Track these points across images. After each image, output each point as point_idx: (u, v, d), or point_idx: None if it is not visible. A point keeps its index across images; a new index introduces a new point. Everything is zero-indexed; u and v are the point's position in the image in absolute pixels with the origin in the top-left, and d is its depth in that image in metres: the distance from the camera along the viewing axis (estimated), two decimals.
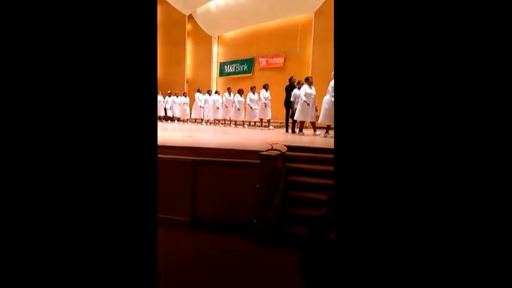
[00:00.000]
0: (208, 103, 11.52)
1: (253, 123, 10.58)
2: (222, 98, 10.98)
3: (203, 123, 12.25)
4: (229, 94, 10.71)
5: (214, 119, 11.66)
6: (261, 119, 9.97)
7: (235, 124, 11.05)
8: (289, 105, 7.96)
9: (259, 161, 3.76)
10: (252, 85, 10.66)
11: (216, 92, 11.53)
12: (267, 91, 9.61)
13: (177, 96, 13.11)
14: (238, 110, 10.38)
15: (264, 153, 3.80)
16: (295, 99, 7.64)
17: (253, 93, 10.02)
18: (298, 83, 7.87)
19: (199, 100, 11.90)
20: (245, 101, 10.37)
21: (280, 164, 3.99)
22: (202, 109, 11.84)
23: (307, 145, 4.96)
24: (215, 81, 14.86)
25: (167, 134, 6.88)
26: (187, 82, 15.11)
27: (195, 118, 12.45)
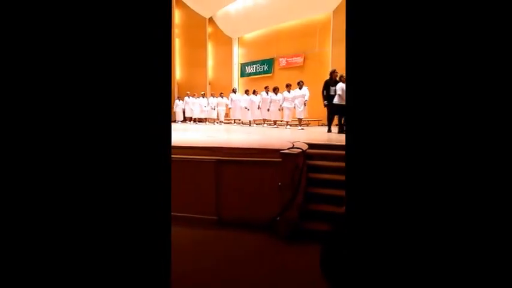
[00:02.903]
0: (246, 103, 11.23)
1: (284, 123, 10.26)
2: (259, 97, 10.71)
3: (234, 123, 12.13)
4: (267, 93, 10.46)
5: (254, 119, 11.35)
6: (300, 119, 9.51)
7: (275, 123, 10.78)
8: (330, 101, 7.24)
9: (280, 159, 3.86)
10: (273, 85, 10.57)
11: (254, 92, 11.26)
12: (301, 89, 9.22)
13: (214, 97, 12.86)
14: (272, 110, 10.11)
15: (285, 151, 3.90)
16: (335, 93, 7.10)
17: (288, 92, 9.62)
18: (339, 76, 7.36)
19: (233, 100, 11.63)
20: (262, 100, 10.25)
21: (302, 162, 4.08)
22: (240, 110, 11.53)
23: (327, 142, 5.04)
24: (237, 82, 15.08)
25: (193, 135, 7.06)
26: (209, 84, 15.40)
27: (231, 119, 12.34)
